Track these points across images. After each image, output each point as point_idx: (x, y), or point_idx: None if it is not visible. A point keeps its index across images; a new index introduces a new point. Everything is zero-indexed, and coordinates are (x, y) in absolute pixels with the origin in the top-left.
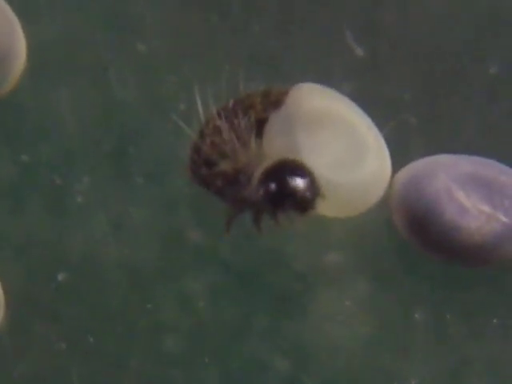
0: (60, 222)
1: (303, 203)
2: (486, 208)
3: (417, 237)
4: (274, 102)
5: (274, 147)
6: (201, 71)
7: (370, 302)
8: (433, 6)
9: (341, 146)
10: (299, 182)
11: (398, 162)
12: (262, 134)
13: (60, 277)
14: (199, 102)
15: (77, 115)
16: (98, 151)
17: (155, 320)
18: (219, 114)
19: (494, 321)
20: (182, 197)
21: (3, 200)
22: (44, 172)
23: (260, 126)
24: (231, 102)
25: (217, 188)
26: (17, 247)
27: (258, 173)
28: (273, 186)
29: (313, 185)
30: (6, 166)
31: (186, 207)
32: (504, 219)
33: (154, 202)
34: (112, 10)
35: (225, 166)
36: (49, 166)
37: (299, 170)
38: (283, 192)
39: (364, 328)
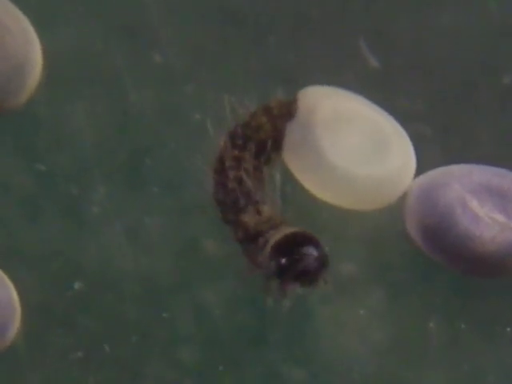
0: (76, 231)
1: (311, 277)
2: (500, 217)
3: (431, 246)
4: (279, 115)
5: (297, 157)
6: (216, 82)
7: (385, 311)
8: (446, 18)
9: (363, 141)
10: (308, 257)
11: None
12: (274, 151)
13: (76, 286)
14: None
15: (93, 125)
16: (114, 161)
17: (171, 329)
18: (233, 143)
19: (508, 330)
20: (198, 207)
21: (20, 209)
22: (60, 182)
23: (272, 143)
24: (239, 128)
25: (237, 237)
26: (33, 256)
27: (269, 244)
28: (283, 260)
29: (321, 258)
30: (23, 176)
31: (201, 217)
32: None
33: (170, 212)
34: (128, 22)
35: (248, 217)
36: (65, 176)
37: (308, 243)
38: (292, 267)
39: (378, 337)
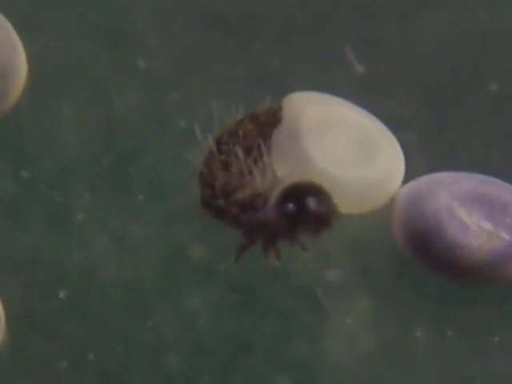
0: (60, 238)
1: (321, 222)
2: (488, 225)
3: (418, 254)
4: (265, 123)
5: (285, 163)
6: (202, 89)
7: (372, 319)
8: (433, 23)
9: (351, 146)
10: (317, 201)
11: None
12: (263, 157)
13: (61, 294)
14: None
15: (77, 132)
16: (99, 168)
17: (156, 337)
18: (220, 149)
19: (495, 338)
20: (183, 214)
21: (4, 216)
22: (44, 188)
23: (258, 150)
24: (224, 136)
25: (232, 216)
26: (17, 264)
27: (275, 195)
28: (291, 205)
29: (329, 204)
30: (7, 183)
31: (187, 224)
32: (506, 237)
33: (155, 219)
34: (114, 28)
35: (242, 194)
36: (49, 182)
37: (315, 190)
38: (302, 210)
39: (365, 345)
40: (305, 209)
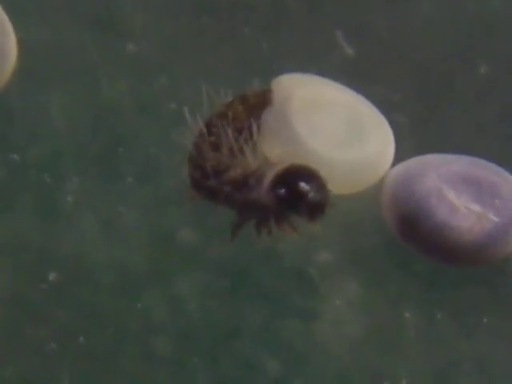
0: (50, 222)
1: (315, 208)
2: (477, 207)
3: (407, 236)
4: (255, 104)
5: (275, 144)
6: (190, 72)
7: (360, 301)
8: (422, 7)
9: (341, 126)
10: (311, 187)
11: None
12: (253, 137)
13: (50, 277)
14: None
15: (66, 116)
16: (88, 151)
17: (145, 321)
18: (210, 131)
19: (485, 320)
20: (172, 197)
21: None
22: (34, 172)
23: (248, 131)
24: (214, 118)
25: (225, 196)
26: (5, 247)
27: (269, 177)
28: (286, 190)
29: (324, 190)
30: None
31: (175, 208)
32: (495, 219)
33: (145, 203)
34: (101, 12)
35: (233, 173)
36: (38, 166)
37: (310, 175)
38: (296, 196)
39: (354, 327)
40: (298, 195)
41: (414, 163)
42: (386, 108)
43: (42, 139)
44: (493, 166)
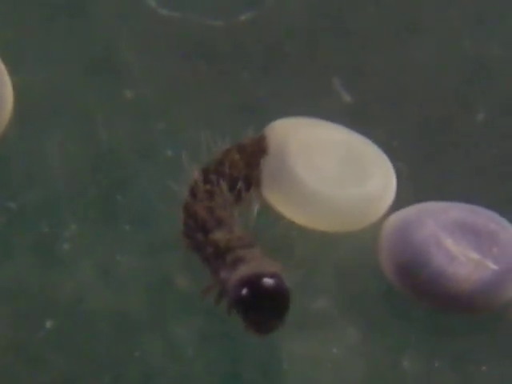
0: (47, 268)
1: (273, 317)
2: (475, 255)
3: (405, 284)
4: (251, 153)
5: (276, 190)
6: (189, 118)
7: (358, 348)
8: (420, 54)
9: (340, 164)
10: (272, 299)
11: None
12: (248, 188)
13: (48, 324)
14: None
15: (64, 162)
16: (85, 197)
17: (143, 368)
18: (206, 179)
19: (483, 368)
20: (169, 244)
21: None
22: (31, 219)
23: (245, 180)
24: (211, 166)
25: (206, 256)
26: (4, 294)
27: (234, 276)
28: (245, 295)
29: (285, 300)
30: None
31: (172, 254)
32: (493, 267)
33: (141, 249)
34: (100, 56)
35: (219, 235)
36: (36, 213)
37: (273, 284)
38: (254, 305)
39: (352, 375)
40: (257, 302)
41: (411, 211)
42: (385, 154)
43: (40, 184)
44: (491, 214)
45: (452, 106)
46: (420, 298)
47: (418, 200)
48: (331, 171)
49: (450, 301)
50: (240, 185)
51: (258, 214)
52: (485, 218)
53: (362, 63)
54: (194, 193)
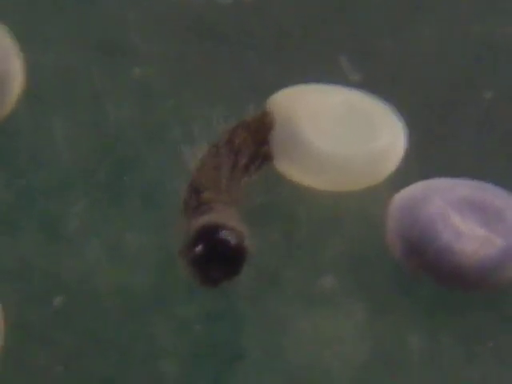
0: (55, 246)
1: (228, 269)
2: (482, 231)
3: (412, 260)
4: (257, 129)
5: (288, 160)
6: (196, 98)
7: (365, 326)
8: (426, 32)
9: (348, 124)
10: (224, 249)
11: (393, 187)
12: (257, 165)
13: (56, 302)
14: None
15: (72, 141)
16: (94, 176)
17: (151, 344)
18: (214, 155)
19: (490, 344)
20: (177, 222)
21: None
22: (39, 197)
23: (255, 156)
24: (221, 144)
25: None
26: (12, 272)
27: (192, 226)
28: (198, 249)
29: (235, 254)
30: (2, 191)
31: (180, 232)
32: (500, 243)
33: (149, 228)
34: (107, 38)
35: (207, 194)
36: (44, 190)
37: (226, 236)
38: (208, 258)
39: (359, 353)
40: (210, 255)
41: (418, 188)
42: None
43: (48, 164)
44: (498, 190)
45: (460, 84)
46: (427, 274)
47: (426, 177)
48: (341, 132)
49: (457, 277)
50: (247, 161)
51: (272, 187)
52: (492, 194)
53: (369, 43)
54: (199, 171)
